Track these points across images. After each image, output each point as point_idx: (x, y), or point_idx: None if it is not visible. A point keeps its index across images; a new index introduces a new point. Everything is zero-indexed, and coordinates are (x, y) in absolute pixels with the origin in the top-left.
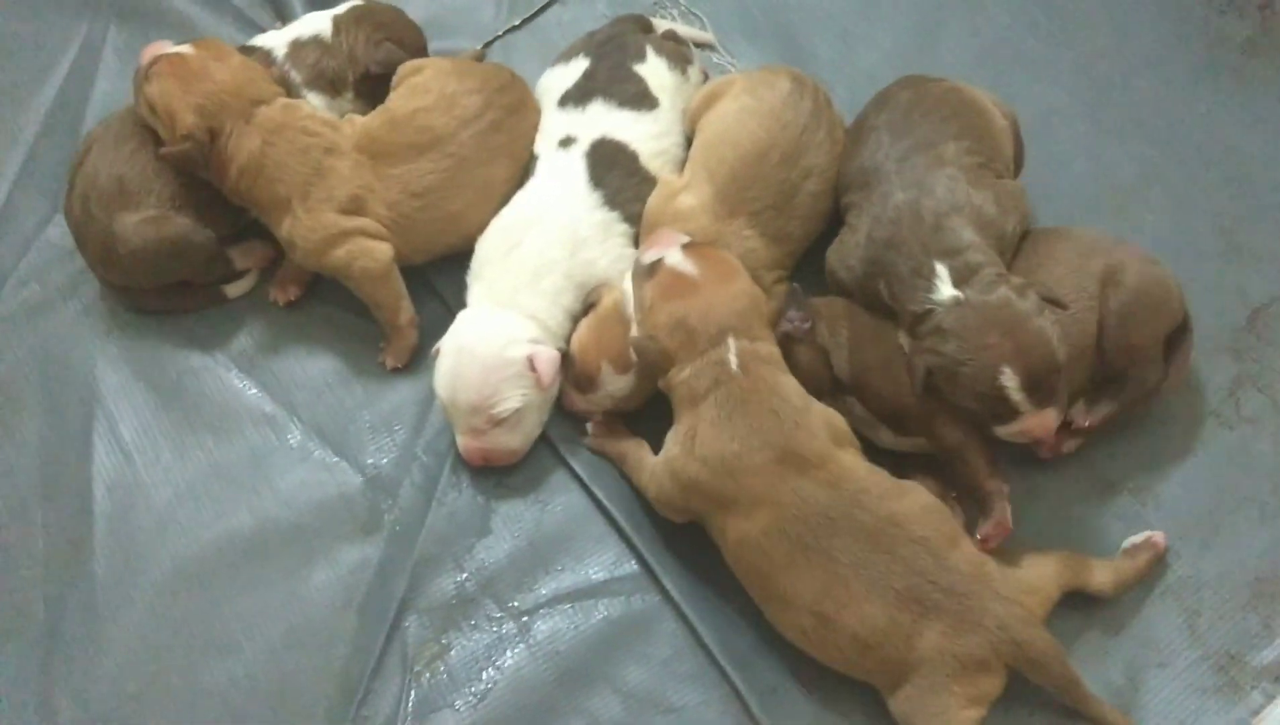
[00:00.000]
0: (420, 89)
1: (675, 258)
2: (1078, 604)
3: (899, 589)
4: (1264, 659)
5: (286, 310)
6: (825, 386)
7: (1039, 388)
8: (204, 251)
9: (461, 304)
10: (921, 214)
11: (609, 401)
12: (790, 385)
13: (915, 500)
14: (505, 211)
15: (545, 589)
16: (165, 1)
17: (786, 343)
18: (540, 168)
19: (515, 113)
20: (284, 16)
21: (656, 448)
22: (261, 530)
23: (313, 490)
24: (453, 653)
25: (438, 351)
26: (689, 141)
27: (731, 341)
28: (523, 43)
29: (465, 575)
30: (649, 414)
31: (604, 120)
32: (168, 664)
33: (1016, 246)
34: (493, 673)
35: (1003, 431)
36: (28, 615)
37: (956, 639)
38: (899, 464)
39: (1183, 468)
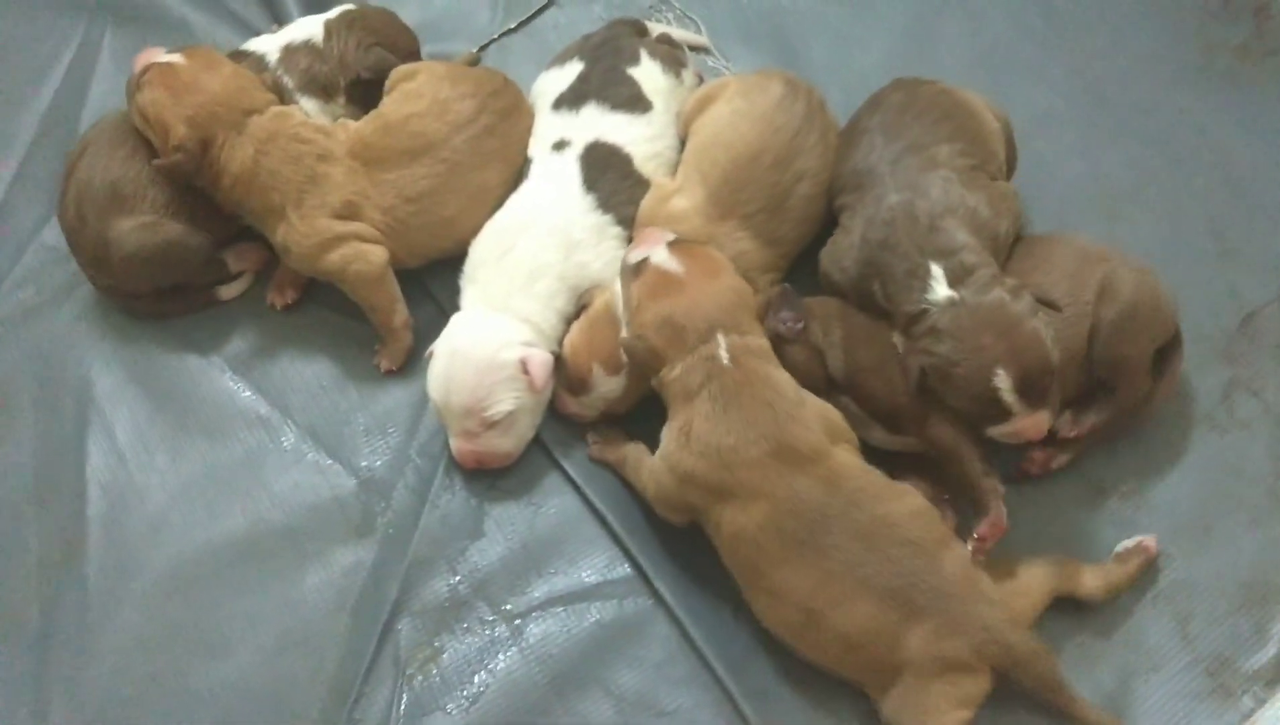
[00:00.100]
0: (413, 94)
1: (660, 256)
2: (1069, 608)
3: (888, 589)
4: (1255, 663)
5: (281, 313)
6: (820, 386)
7: (1032, 389)
8: (198, 256)
9: (456, 307)
10: (916, 215)
11: (601, 403)
12: (783, 378)
13: (909, 503)
14: (499, 215)
15: (538, 592)
16: (161, 4)
17: (778, 343)
18: (534, 171)
19: (508, 117)
20: (280, 20)
21: (654, 451)
22: (255, 532)
23: (306, 493)
24: (445, 655)
25: (431, 354)
26: (683, 144)
27: (720, 336)
28: (519, 46)
29: (458, 578)
30: (645, 418)
31: (598, 123)
32: (161, 666)
33: (1010, 249)
34: (485, 675)
35: (995, 432)
36: (21, 617)
37: (942, 641)
38: (891, 465)
39: (1175, 472)
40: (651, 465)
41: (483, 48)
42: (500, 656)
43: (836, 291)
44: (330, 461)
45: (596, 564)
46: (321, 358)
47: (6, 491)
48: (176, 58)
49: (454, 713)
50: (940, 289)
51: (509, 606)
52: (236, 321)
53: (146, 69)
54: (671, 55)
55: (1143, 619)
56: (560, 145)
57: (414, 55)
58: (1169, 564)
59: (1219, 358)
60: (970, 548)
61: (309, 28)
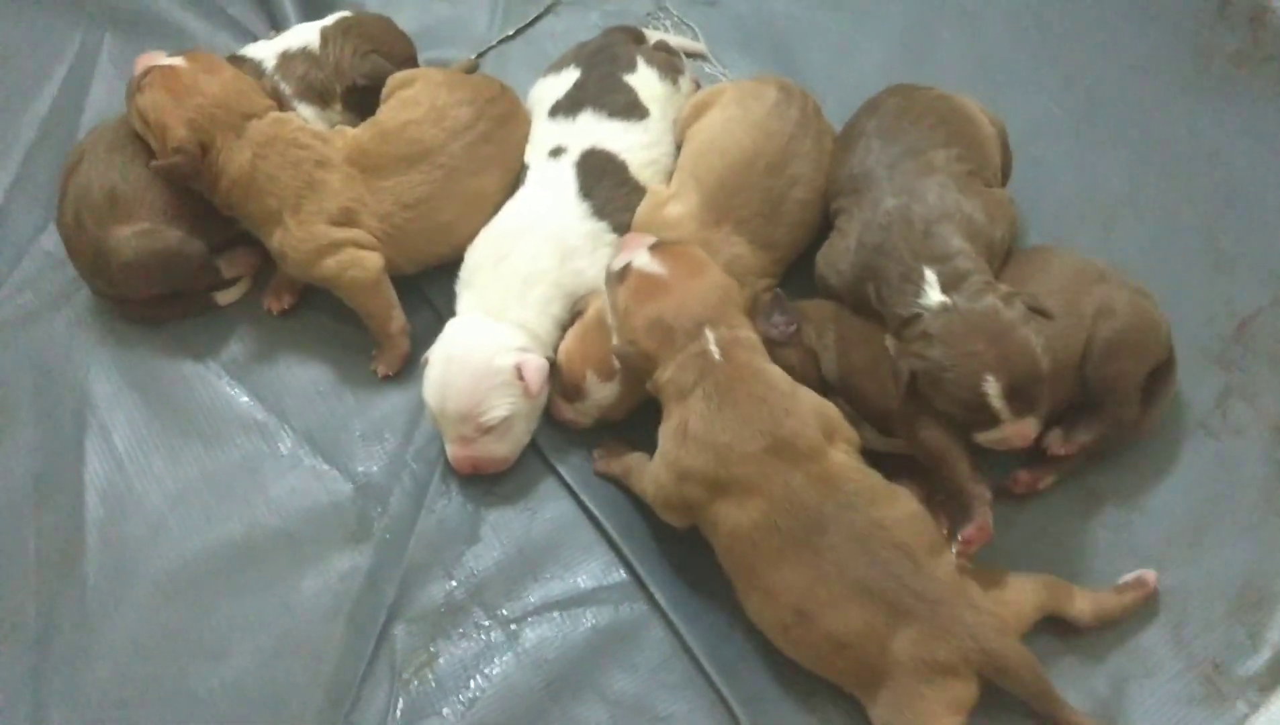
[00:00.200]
0: (410, 101)
1: (643, 260)
2: None
3: (877, 592)
4: (1249, 669)
5: (278, 319)
6: (814, 388)
7: (1020, 396)
8: (195, 262)
9: (452, 312)
10: (912, 220)
11: (596, 410)
12: (775, 372)
13: (903, 507)
14: (495, 221)
15: (534, 597)
16: (160, 10)
17: (771, 346)
18: (531, 177)
19: (505, 124)
20: (278, 26)
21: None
22: (252, 537)
23: (303, 498)
24: (441, 660)
25: (426, 361)
26: (679, 151)
27: (709, 332)
28: (516, 53)
29: (454, 583)
30: (644, 424)
31: (594, 130)
32: (158, 670)
33: (1005, 255)
34: (481, 680)
35: (983, 438)
36: (20, 620)
37: (928, 645)
38: (884, 467)
39: (1169, 478)
40: (651, 468)
41: (481, 54)
42: (496, 661)
43: (832, 294)
44: (327, 467)
45: (592, 569)
46: (318, 363)
47: (5, 495)
48: (177, 61)
49: (450, 717)
50: (933, 294)
51: (505, 611)
52: (234, 327)
53: (147, 71)
54: (668, 62)
55: (1137, 624)
56: (556, 152)
57: (410, 61)
58: (1163, 569)
59: (1213, 364)
60: (956, 551)
61: (306, 34)
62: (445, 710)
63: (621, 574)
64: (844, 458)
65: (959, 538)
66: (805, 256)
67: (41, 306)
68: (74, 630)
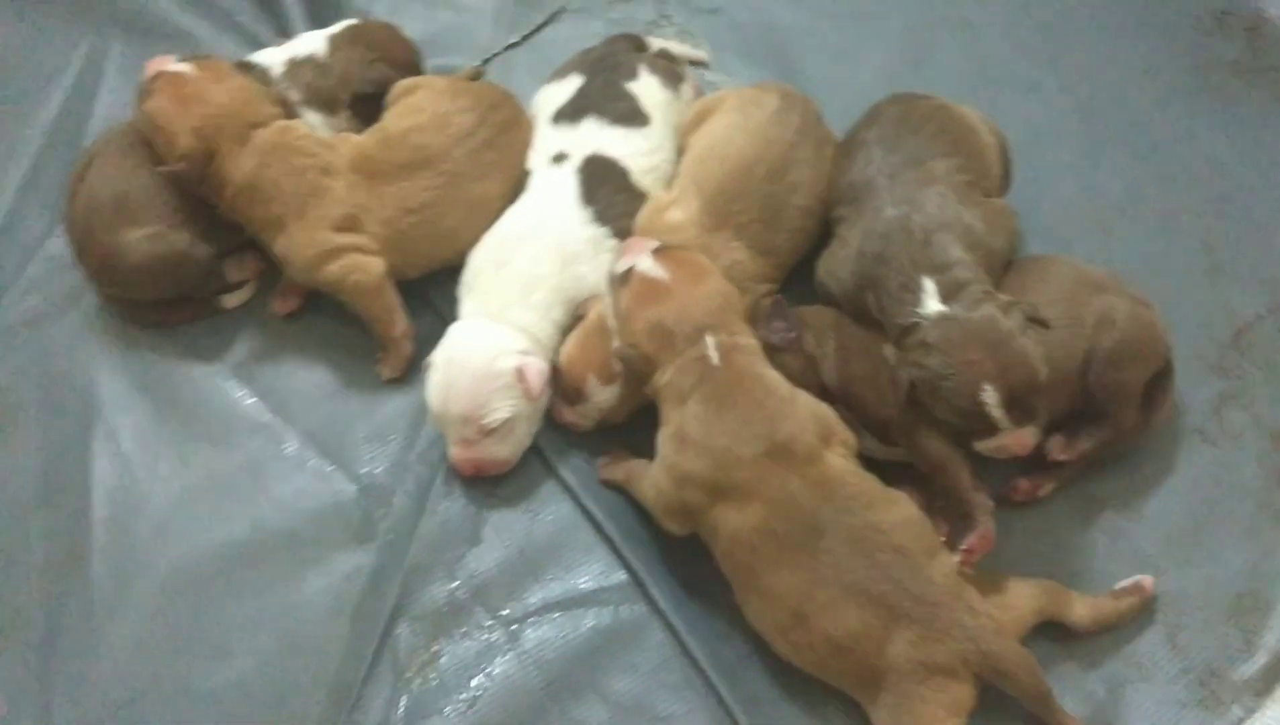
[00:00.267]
0: (414, 108)
1: (645, 265)
2: None
3: (874, 595)
4: (1244, 673)
5: (284, 322)
6: (814, 395)
7: (1018, 405)
8: (202, 267)
9: (456, 316)
10: (911, 229)
11: (597, 413)
12: (774, 376)
13: (901, 511)
14: (498, 226)
15: (535, 598)
16: (168, 16)
17: (771, 352)
18: (533, 183)
19: (508, 130)
20: (286, 33)
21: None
22: (257, 537)
23: (308, 498)
24: (443, 659)
25: (429, 364)
26: (681, 157)
27: (709, 337)
28: (521, 60)
29: (456, 583)
30: (645, 428)
31: (596, 137)
32: (163, 669)
33: (1005, 265)
34: (482, 680)
35: (981, 446)
36: (26, 620)
37: (926, 647)
38: (886, 474)
39: (1166, 483)
40: (651, 473)
41: (486, 62)
42: (497, 661)
43: (832, 302)
44: (331, 467)
45: (592, 571)
46: (323, 366)
47: (12, 495)
48: (186, 67)
49: (452, 716)
50: (932, 303)
51: (506, 612)
52: (240, 329)
53: (155, 77)
54: (670, 70)
55: (1133, 628)
56: (559, 158)
57: (414, 67)
58: (1160, 574)
59: (1210, 371)
60: (958, 559)
61: (313, 42)
62: (447, 709)
63: (622, 576)
64: (841, 462)
65: (962, 546)
66: (806, 263)
67: (49, 309)
68: (80, 629)
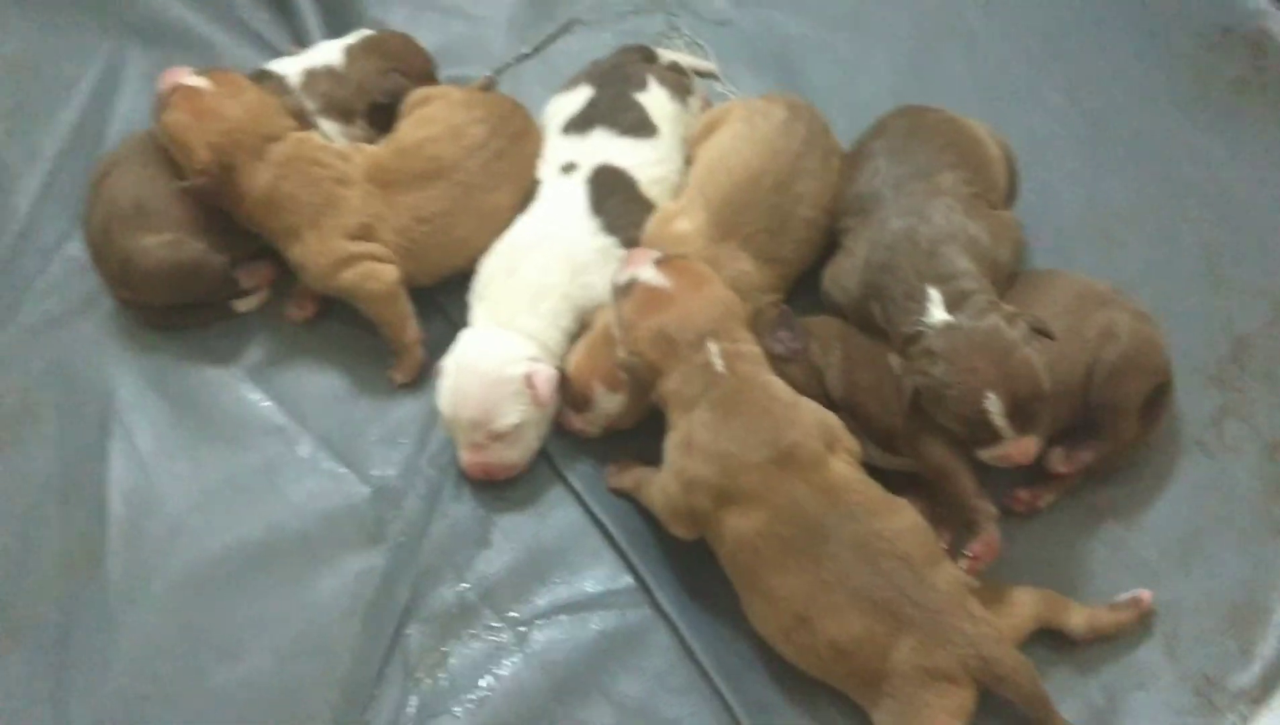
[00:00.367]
0: (428, 119)
1: (648, 274)
2: None
3: (877, 601)
4: (1241, 682)
5: (299, 327)
6: (819, 404)
7: (1021, 414)
8: (218, 274)
9: (466, 323)
10: (917, 240)
11: (604, 420)
12: (778, 383)
13: (904, 518)
14: (508, 235)
15: (542, 600)
16: (186, 23)
17: (776, 362)
18: (543, 193)
19: (519, 141)
20: (302, 41)
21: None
22: (271, 538)
23: (321, 500)
24: (453, 660)
25: (439, 371)
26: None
27: (712, 345)
28: (532, 70)
29: (466, 585)
30: (652, 434)
31: (605, 147)
32: (177, 668)
33: (1011, 277)
34: (491, 680)
35: (985, 455)
36: (42, 618)
37: (928, 653)
38: (890, 482)
39: (1165, 494)
40: (659, 480)
41: (498, 72)
42: (505, 662)
43: (838, 312)
44: (344, 470)
45: (599, 574)
46: (337, 370)
47: (30, 495)
48: (202, 81)
49: (461, 716)
50: (937, 312)
51: (514, 614)
52: (256, 333)
53: (173, 90)
54: (679, 82)
55: (1132, 637)
56: (569, 168)
57: (428, 77)
58: (1158, 583)
59: (1210, 383)
60: (964, 567)
61: (330, 52)
62: (456, 709)
63: (628, 579)
64: (846, 468)
65: (967, 554)
66: (812, 273)
67: (67, 311)
68: (95, 628)
